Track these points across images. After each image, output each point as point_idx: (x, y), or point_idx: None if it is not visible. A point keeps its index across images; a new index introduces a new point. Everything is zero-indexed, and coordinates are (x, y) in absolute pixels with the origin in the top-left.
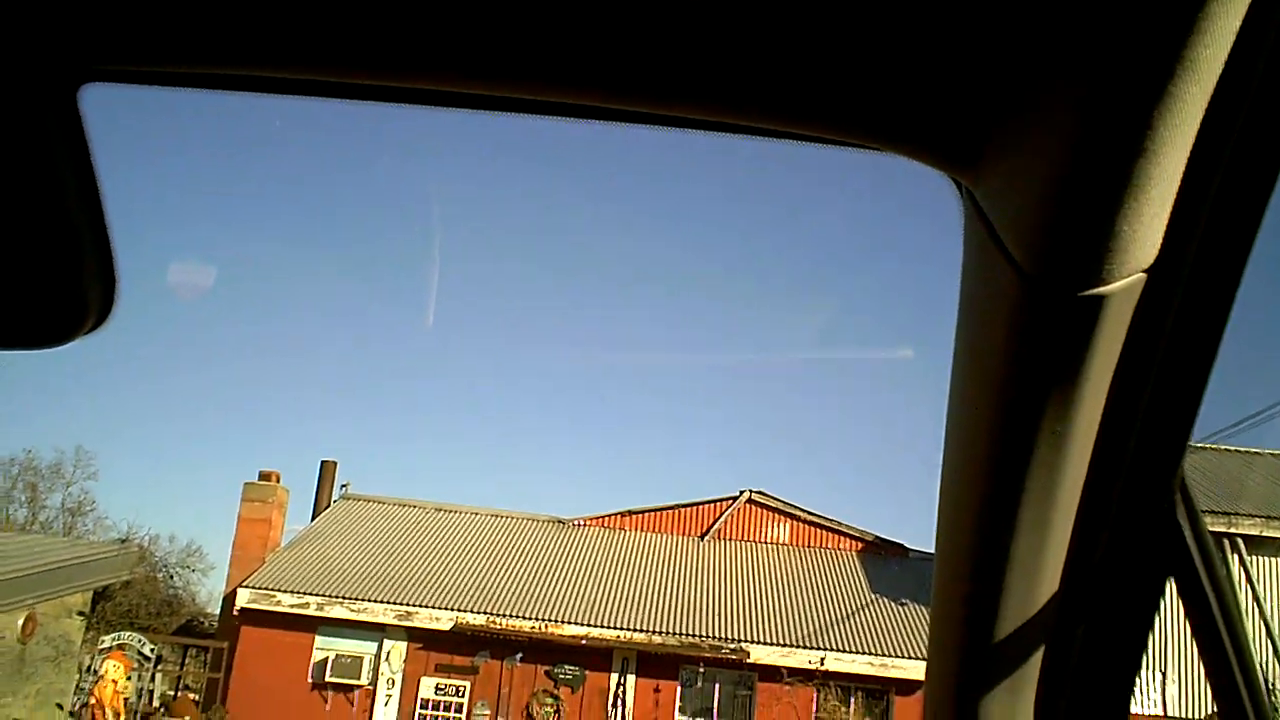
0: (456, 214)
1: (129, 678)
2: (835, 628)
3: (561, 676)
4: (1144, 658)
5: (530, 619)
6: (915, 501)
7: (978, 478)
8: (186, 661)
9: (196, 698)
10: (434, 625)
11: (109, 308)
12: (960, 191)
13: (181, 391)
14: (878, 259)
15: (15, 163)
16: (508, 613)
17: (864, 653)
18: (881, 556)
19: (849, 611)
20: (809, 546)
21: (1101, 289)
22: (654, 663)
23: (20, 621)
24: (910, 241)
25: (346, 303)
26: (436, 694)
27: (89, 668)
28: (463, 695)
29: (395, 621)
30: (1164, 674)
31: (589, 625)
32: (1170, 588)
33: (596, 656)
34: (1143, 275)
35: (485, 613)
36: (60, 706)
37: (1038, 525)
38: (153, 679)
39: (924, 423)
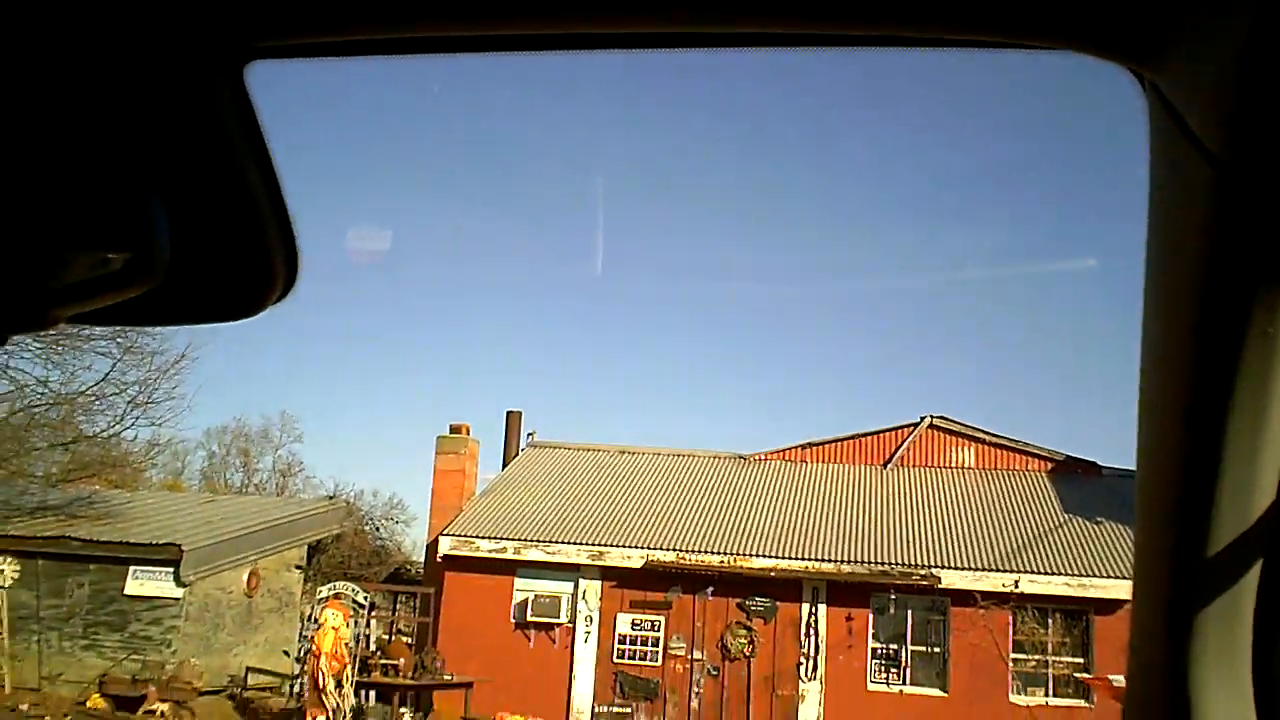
0: (617, 158)
1: (347, 625)
2: (1028, 550)
3: (753, 608)
4: None
5: (719, 553)
6: (1107, 417)
7: (1180, 388)
8: (397, 607)
9: (410, 641)
10: (626, 564)
11: (293, 277)
12: (1142, 84)
13: (371, 353)
14: (1054, 166)
15: (193, 144)
16: (696, 548)
17: (1060, 573)
18: (1073, 476)
19: (1042, 533)
20: (996, 469)
21: None
22: (844, 592)
23: (245, 577)
24: (1088, 144)
25: (517, 257)
26: (633, 629)
27: (310, 617)
28: (658, 630)
29: (589, 561)
30: None
31: (777, 557)
32: None
33: (786, 587)
34: None
35: (674, 549)
36: (287, 653)
37: (1249, 434)
38: (368, 625)
39: (1112, 334)
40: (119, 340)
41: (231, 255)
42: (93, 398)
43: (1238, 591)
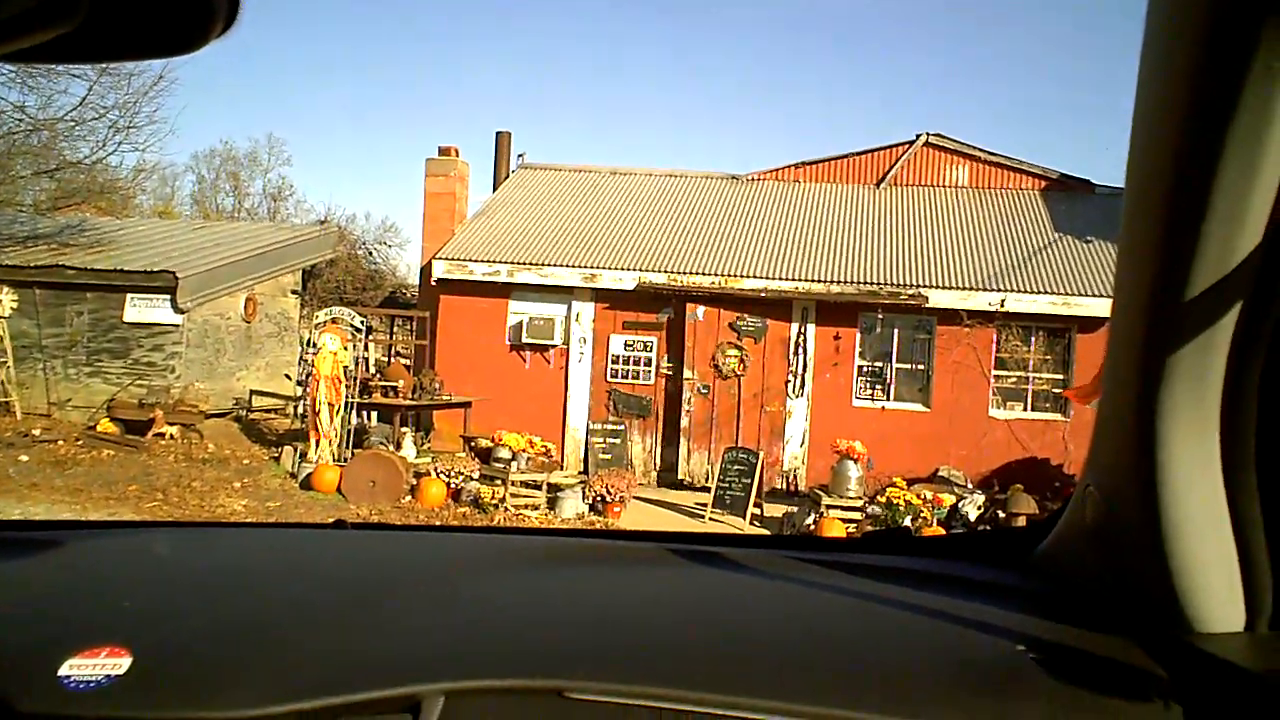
0: None
1: (346, 348)
2: (1016, 269)
3: (744, 328)
4: None
5: (710, 274)
6: (1103, 136)
7: (1177, 113)
8: (394, 331)
9: (408, 363)
10: (618, 285)
11: (235, 9)
12: None
13: (354, 75)
14: None
15: None
16: (688, 270)
17: (1045, 292)
18: (1066, 194)
19: (1030, 252)
20: (989, 188)
21: None
22: (833, 311)
23: (242, 302)
24: None
25: None
26: (626, 350)
27: (308, 341)
28: (651, 350)
29: (582, 284)
30: None
31: (767, 278)
32: None
33: (776, 307)
34: None
35: (666, 270)
36: (288, 377)
37: (1243, 169)
38: (366, 349)
39: (1112, 51)
40: (79, 64)
41: None
42: (72, 123)
43: (1214, 334)
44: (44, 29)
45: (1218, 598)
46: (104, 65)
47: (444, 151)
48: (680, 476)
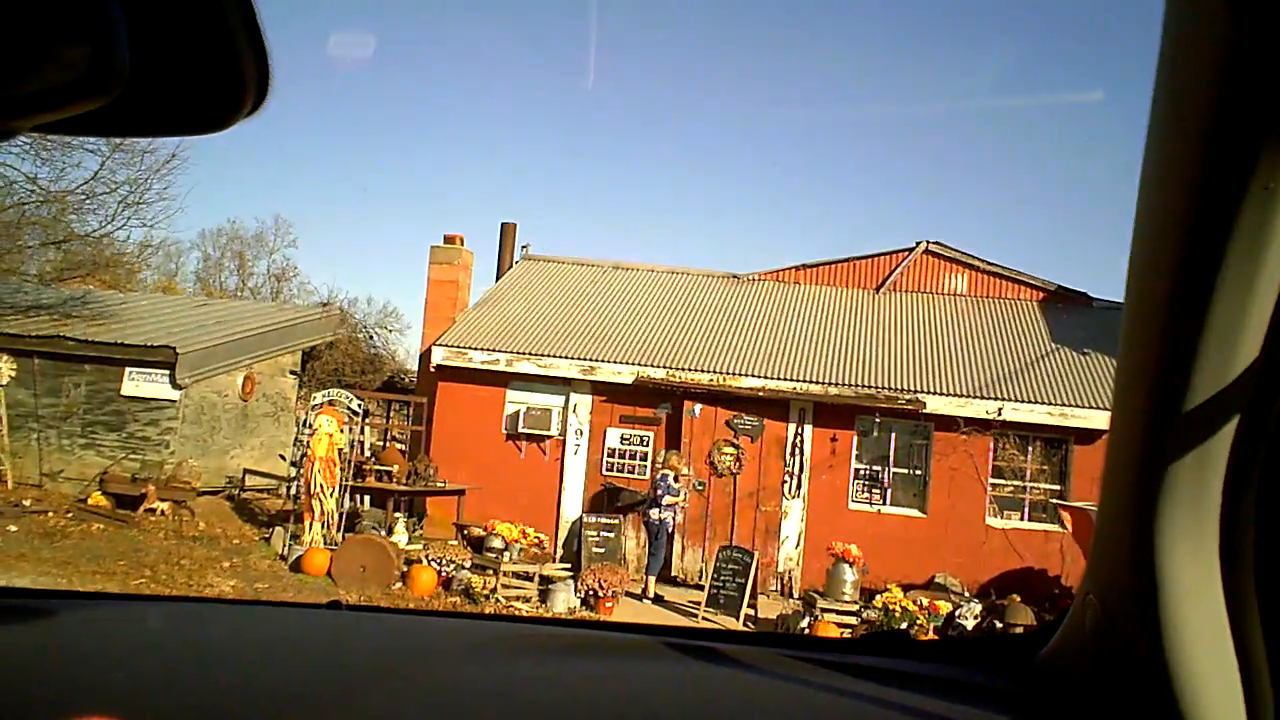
0: None
1: (341, 431)
2: (1014, 378)
3: (740, 427)
4: None
5: (709, 372)
6: (1101, 250)
7: (1175, 231)
8: (391, 415)
9: (403, 448)
10: (616, 379)
11: (265, 90)
12: None
13: (365, 161)
14: None
15: None
16: (687, 366)
17: (1043, 402)
18: (1063, 306)
19: (1028, 362)
20: (988, 297)
21: None
22: (830, 413)
23: (240, 381)
24: None
25: (509, 70)
26: (622, 444)
27: (305, 422)
28: (646, 445)
29: (580, 376)
30: None
31: (766, 377)
32: None
33: (774, 407)
34: None
35: (665, 366)
36: (283, 457)
37: (1240, 287)
38: (362, 432)
39: (1112, 169)
40: (108, 138)
41: (197, 64)
42: (83, 196)
43: (1212, 446)
44: (80, 102)
45: (1218, 709)
46: (119, 141)
47: (449, 239)
48: (673, 573)
